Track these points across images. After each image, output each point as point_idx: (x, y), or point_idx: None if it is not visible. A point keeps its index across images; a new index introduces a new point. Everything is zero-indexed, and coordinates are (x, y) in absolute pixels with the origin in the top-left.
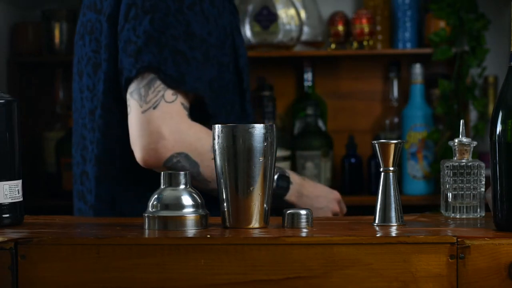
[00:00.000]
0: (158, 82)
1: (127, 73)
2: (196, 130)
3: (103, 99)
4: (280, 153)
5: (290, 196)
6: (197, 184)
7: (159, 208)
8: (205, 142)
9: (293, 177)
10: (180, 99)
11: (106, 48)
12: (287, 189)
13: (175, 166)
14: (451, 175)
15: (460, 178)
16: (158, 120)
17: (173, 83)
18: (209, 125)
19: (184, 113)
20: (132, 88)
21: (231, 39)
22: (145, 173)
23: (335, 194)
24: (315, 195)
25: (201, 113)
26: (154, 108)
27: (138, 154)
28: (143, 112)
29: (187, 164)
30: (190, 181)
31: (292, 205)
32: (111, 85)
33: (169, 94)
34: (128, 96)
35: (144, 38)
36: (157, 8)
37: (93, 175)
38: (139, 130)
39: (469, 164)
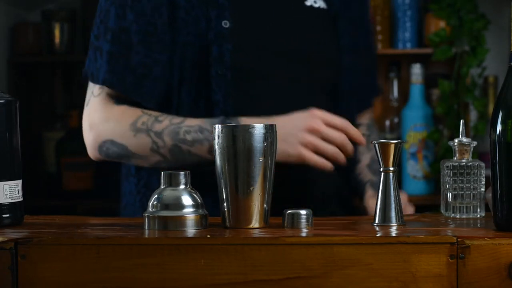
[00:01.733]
0: (89, 81)
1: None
2: (116, 113)
3: None
4: None
5: None
6: (142, 163)
7: (159, 208)
8: (126, 123)
9: (244, 120)
10: (106, 90)
11: None
12: None
13: (108, 153)
14: (451, 175)
15: (460, 178)
16: (87, 116)
17: (93, 79)
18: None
19: (108, 102)
20: None
21: (202, 18)
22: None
23: (310, 114)
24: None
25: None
26: (87, 105)
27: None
28: (84, 112)
29: (116, 148)
30: (190, 181)
31: None
32: None
33: (96, 88)
34: None
35: (89, 45)
36: (97, 12)
37: (121, 174)
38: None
39: (469, 164)
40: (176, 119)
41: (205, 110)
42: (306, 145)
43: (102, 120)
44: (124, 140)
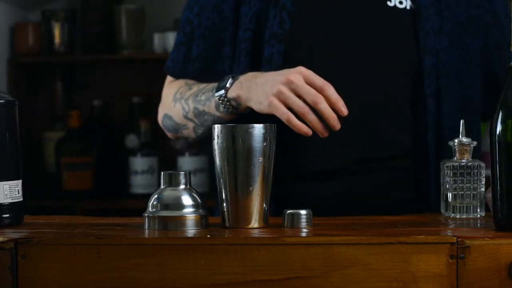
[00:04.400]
0: None
1: None
2: (169, 89)
3: None
4: None
5: (232, 91)
6: (189, 133)
7: (159, 208)
8: (171, 95)
9: (244, 76)
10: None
11: None
12: (226, 85)
13: (167, 127)
14: (451, 175)
15: (460, 178)
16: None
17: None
18: None
19: (169, 81)
20: None
21: (262, 15)
22: None
23: (294, 69)
24: (260, 77)
25: None
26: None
27: None
28: None
29: (168, 120)
30: (190, 181)
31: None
32: None
33: (168, 76)
34: None
35: None
36: None
37: None
38: None
39: (469, 164)
40: (204, 84)
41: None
42: (277, 96)
43: (162, 99)
44: (170, 111)
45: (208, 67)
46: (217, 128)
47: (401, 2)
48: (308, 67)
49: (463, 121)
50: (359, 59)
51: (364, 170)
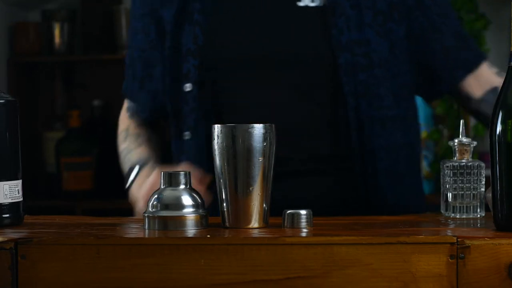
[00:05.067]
0: None
1: None
2: (121, 117)
3: None
4: None
5: (132, 188)
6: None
7: (159, 208)
8: (121, 124)
9: (146, 169)
10: (125, 104)
11: None
12: (130, 177)
13: None
14: (451, 175)
15: (460, 178)
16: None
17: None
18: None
19: (125, 105)
20: None
21: (180, 33)
22: None
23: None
24: (149, 176)
25: None
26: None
27: None
28: None
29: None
30: (190, 181)
31: None
32: None
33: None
34: None
35: None
36: None
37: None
38: None
39: (469, 164)
40: (131, 145)
41: (182, 124)
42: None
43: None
44: (119, 140)
45: (143, 86)
46: (217, 128)
47: (312, 1)
48: (225, 78)
49: (463, 121)
50: (274, 63)
51: (311, 173)
